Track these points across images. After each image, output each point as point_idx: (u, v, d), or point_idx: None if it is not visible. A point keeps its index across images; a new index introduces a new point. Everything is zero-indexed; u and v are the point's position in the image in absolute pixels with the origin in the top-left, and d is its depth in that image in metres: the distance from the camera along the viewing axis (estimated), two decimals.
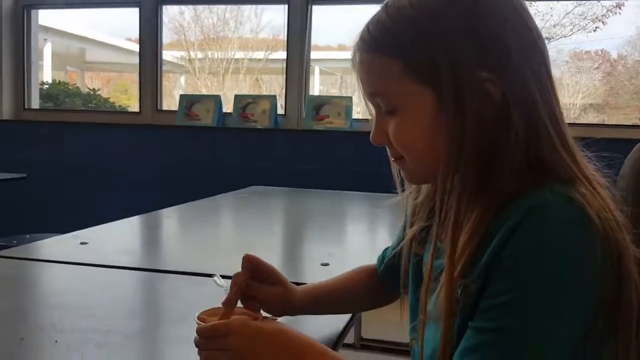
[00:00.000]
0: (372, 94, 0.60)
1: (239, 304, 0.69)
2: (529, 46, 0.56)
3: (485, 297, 0.50)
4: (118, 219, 1.50)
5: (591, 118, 3.59)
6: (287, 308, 0.75)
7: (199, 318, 0.66)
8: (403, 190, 0.69)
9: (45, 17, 3.74)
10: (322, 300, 0.80)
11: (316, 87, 4.50)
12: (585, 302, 0.49)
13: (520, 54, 0.54)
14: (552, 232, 0.49)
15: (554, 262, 0.48)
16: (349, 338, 2.05)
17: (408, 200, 0.71)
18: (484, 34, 0.54)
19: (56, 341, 0.70)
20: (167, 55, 4.33)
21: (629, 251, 0.51)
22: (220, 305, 0.69)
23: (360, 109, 4.66)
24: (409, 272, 0.70)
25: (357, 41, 0.59)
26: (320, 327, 0.82)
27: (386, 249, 0.83)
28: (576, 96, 3.59)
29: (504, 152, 0.53)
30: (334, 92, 4.95)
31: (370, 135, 0.62)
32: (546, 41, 0.59)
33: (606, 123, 3.34)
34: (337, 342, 0.76)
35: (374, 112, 0.62)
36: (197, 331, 0.62)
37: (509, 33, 0.54)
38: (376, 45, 0.57)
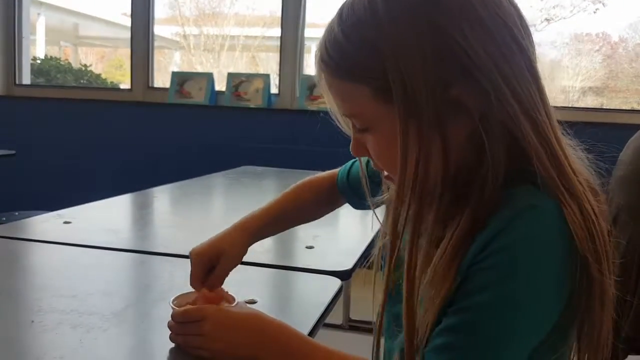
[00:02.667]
0: (345, 115, 0.59)
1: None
2: (504, 50, 0.50)
3: (462, 295, 0.49)
4: (108, 197, 1.49)
5: (590, 101, 3.56)
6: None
7: (174, 302, 0.66)
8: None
9: None
10: (273, 229, 0.85)
11: (313, 66, 4.45)
12: (554, 312, 0.49)
13: (493, 61, 0.49)
14: (537, 238, 0.48)
15: (534, 268, 0.48)
16: (337, 319, 2.07)
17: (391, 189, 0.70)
18: (446, 48, 0.49)
19: (32, 321, 0.70)
20: (162, 30, 4.26)
21: (603, 278, 0.49)
22: (195, 290, 0.69)
23: None
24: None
25: (319, 61, 0.57)
26: (303, 307, 0.82)
27: (354, 162, 0.86)
28: (576, 79, 3.55)
29: (484, 167, 0.51)
30: None
31: (350, 147, 0.61)
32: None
33: (605, 107, 3.32)
34: (318, 321, 0.76)
35: (349, 126, 0.60)
36: (172, 316, 0.62)
37: (475, 42, 0.49)
38: (340, 71, 0.55)
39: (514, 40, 0.51)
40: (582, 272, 0.49)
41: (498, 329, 0.48)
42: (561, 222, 0.49)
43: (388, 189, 0.69)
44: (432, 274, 0.52)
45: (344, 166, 0.90)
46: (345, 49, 0.53)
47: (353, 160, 0.87)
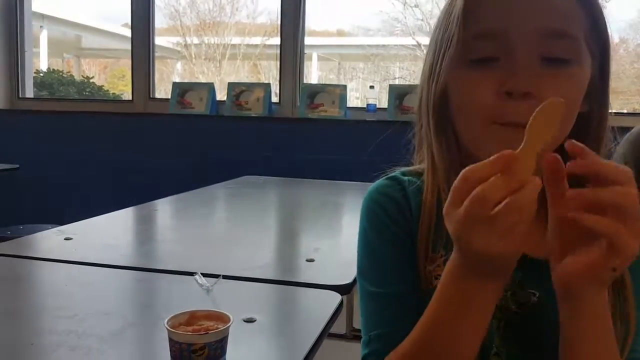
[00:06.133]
0: (559, 31, 0.54)
1: (208, 307, 0.69)
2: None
3: None
4: (110, 208, 1.50)
5: None
6: None
7: (169, 323, 0.65)
8: None
9: (41, 3, 3.68)
10: None
11: (314, 73, 4.46)
12: None
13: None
14: None
15: None
16: (340, 328, 2.06)
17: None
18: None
19: (32, 344, 0.69)
20: (163, 41, 4.28)
21: None
22: (190, 310, 0.68)
23: (359, 95, 4.58)
24: None
25: None
26: (303, 324, 0.81)
27: None
28: None
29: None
30: (332, 78, 4.90)
31: (520, 78, 0.52)
32: None
33: None
34: (324, 330, 0.75)
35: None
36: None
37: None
38: None
39: None
40: None
41: None
42: None
43: None
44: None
45: None
46: None
47: None
